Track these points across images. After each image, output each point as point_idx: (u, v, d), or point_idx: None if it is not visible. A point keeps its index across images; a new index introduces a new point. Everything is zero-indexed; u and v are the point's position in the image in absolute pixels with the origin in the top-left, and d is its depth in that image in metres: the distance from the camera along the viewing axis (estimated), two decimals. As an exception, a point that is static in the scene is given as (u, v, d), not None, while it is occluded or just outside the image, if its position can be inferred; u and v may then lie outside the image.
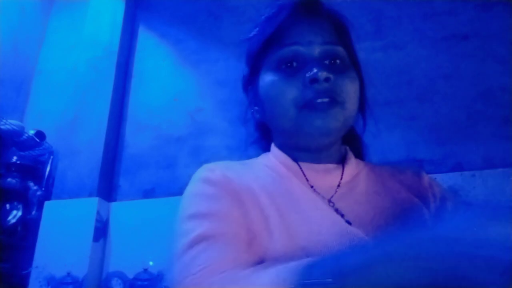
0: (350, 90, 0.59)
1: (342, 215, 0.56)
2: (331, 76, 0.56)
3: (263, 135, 0.73)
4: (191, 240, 0.49)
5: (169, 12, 2.46)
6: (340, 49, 0.61)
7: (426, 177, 0.65)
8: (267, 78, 0.61)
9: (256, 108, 0.68)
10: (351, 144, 0.70)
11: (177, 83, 2.25)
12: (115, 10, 2.40)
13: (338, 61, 0.60)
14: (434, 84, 1.82)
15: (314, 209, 0.55)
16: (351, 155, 0.66)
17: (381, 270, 0.34)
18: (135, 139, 2.17)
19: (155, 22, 2.47)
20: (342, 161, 0.65)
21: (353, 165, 0.65)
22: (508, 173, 1.53)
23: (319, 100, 0.56)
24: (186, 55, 2.31)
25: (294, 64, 0.59)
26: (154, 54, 2.38)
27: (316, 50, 0.59)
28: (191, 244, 0.49)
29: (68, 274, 1.72)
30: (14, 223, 1.91)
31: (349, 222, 0.54)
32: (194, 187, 0.58)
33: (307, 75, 0.56)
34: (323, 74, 0.55)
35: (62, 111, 2.27)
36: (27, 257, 1.83)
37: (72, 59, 2.46)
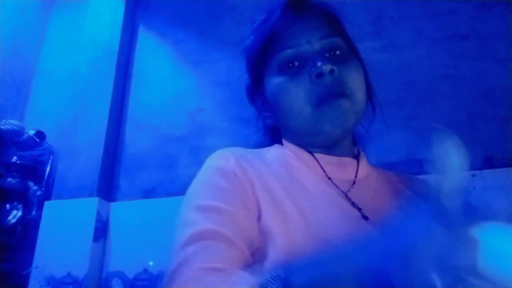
0: (356, 78, 0.59)
1: (360, 209, 0.55)
2: (335, 68, 0.56)
3: (274, 140, 0.72)
4: (196, 234, 0.48)
5: (169, 12, 2.46)
6: (338, 40, 0.61)
7: (431, 185, 0.66)
8: (273, 83, 0.61)
9: (267, 114, 0.67)
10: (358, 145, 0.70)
11: (177, 83, 2.25)
12: (115, 10, 2.40)
13: (338, 52, 0.60)
14: (434, 84, 1.82)
15: (330, 201, 0.55)
16: (364, 155, 0.67)
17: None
18: (135, 139, 2.17)
19: (155, 22, 2.47)
20: (355, 158, 0.65)
21: (366, 164, 0.65)
22: (508, 173, 1.53)
23: (326, 95, 0.56)
24: (186, 55, 2.31)
25: (296, 63, 0.59)
26: (154, 54, 2.38)
27: (316, 46, 0.59)
28: (195, 238, 0.48)
29: (68, 274, 1.72)
30: (14, 223, 1.91)
31: (365, 217, 0.54)
32: (206, 175, 0.57)
33: (312, 70, 0.57)
34: (327, 67, 0.56)
35: (62, 111, 2.27)
36: (27, 257, 1.83)
37: (72, 59, 2.46)
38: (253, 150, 0.65)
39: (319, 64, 0.56)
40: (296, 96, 0.58)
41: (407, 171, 1.78)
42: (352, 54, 0.62)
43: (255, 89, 0.68)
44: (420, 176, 0.69)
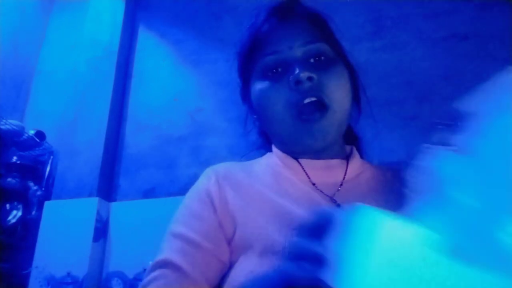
0: (337, 85, 0.59)
1: None
2: (313, 75, 0.56)
3: (267, 139, 0.73)
4: (156, 262, 0.53)
5: (169, 12, 2.46)
6: (322, 46, 0.61)
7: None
8: (256, 88, 0.62)
9: (254, 116, 0.69)
10: (353, 144, 0.70)
11: (177, 83, 2.25)
12: (115, 10, 2.40)
13: (322, 58, 0.60)
14: (434, 84, 1.82)
15: (312, 206, 0.55)
16: (356, 154, 0.66)
17: None
18: (135, 139, 2.17)
19: (155, 22, 2.47)
20: (346, 158, 0.64)
21: (357, 163, 0.65)
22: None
23: (306, 101, 0.56)
24: (186, 55, 2.31)
25: (279, 69, 0.59)
26: (154, 54, 2.38)
27: (298, 52, 0.59)
28: (155, 266, 0.53)
29: (68, 274, 1.72)
30: (14, 223, 1.91)
31: None
32: (188, 196, 0.61)
33: (291, 78, 0.56)
34: (305, 74, 0.56)
35: (62, 111, 2.27)
36: (27, 257, 1.83)
37: (72, 59, 2.45)
38: (243, 163, 0.67)
39: (297, 71, 0.56)
40: (276, 102, 0.58)
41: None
42: (337, 60, 0.62)
43: (245, 92, 0.68)
44: None
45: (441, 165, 0.34)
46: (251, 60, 0.63)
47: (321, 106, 0.57)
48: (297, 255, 0.33)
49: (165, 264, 0.53)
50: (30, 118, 2.41)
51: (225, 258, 0.54)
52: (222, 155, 1.90)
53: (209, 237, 0.54)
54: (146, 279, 0.53)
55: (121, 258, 1.81)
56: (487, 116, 0.34)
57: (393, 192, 0.61)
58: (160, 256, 0.54)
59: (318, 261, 0.29)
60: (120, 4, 2.43)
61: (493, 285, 0.25)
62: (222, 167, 0.63)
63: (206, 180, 0.60)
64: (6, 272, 1.82)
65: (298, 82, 0.56)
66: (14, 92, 2.39)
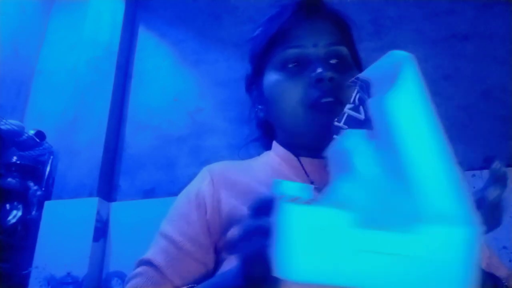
0: (352, 91, 0.59)
1: None
2: (335, 76, 0.57)
3: (265, 133, 0.73)
4: (143, 259, 0.56)
5: (169, 12, 2.46)
6: (343, 49, 0.62)
7: None
8: (272, 78, 0.62)
9: (260, 107, 0.68)
10: None
11: (177, 83, 2.25)
12: (115, 10, 2.40)
13: (342, 61, 0.61)
14: (434, 84, 1.81)
15: None
16: None
17: None
18: (135, 139, 2.17)
19: (155, 22, 2.47)
20: None
21: None
22: (508, 173, 1.53)
23: (323, 100, 0.57)
24: (186, 55, 2.31)
25: (298, 64, 0.60)
26: (154, 54, 2.38)
27: (321, 51, 0.60)
28: (140, 262, 0.56)
29: (68, 274, 1.72)
30: (14, 223, 1.91)
31: None
32: (181, 194, 0.62)
33: (313, 75, 0.57)
34: (328, 74, 0.56)
35: (62, 111, 2.27)
36: (27, 257, 1.83)
37: (72, 59, 2.46)
38: (241, 161, 0.67)
39: (320, 69, 0.57)
40: (291, 95, 0.59)
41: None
42: (354, 65, 0.63)
43: (254, 81, 0.68)
44: None
45: (347, 143, 0.37)
46: (270, 50, 0.63)
47: (338, 102, 0.57)
48: (248, 232, 0.35)
49: (147, 263, 0.55)
50: (30, 118, 2.41)
51: (209, 261, 0.55)
52: (222, 155, 1.90)
53: (194, 240, 0.55)
54: (130, 274, 0.56)
55: (121, 258, 1.81)
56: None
57: None
58: (146, 254, 0.57)
59: (265, 233, 0.31)
60: (120, 4, 2.43)
61: (408, 246, 0.28)
62: (218, 166, 0.63)
63: (201, 181, 0.61)
64: (6, 272, 1.82)
65: (320, 80, 0.57)
66: (14, 92, 2.39)
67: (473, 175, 1.56)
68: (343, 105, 0.56)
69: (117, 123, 2.20)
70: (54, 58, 2.59)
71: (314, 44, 0.60)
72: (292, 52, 0.60)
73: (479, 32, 1.86)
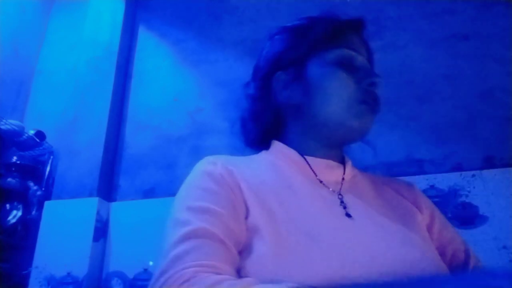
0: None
1: (345, 207, 0.58)
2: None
3: (268, 135, 0.73)
4: (188, 232, 0.49)
5: (169, 12, 2.46)
6: (370, 66, 0.70)
7: (418, 189, 0.71)
8: (326, 70, 0.65)
9: (294, 92, 0.67)
10: None
11: (177, 83, 2.25)
12: (115, 10, 2.40)
13: None
14: (434, 84, 1.82)
15: (317, 199, 0.58)
16: (349, 159, 0.71)
17: None
18: (135, 139, 2.17)
19: (155, 22, 2.47)
20: (342, 161, 0.69)
21: (351, 167, 0.69)
22: (508, 173, 1.53)
23: (371, 101, 0.63)
24: (186, 55, 2.31)
25: (352, 65, 0.65)
26: (154, 54, 2.38)
27: (363, 61, 0.67)
28: (187, 236, 0.48)
29: (68, 274, 1.72)
30: (14, 223, 1.91)
31: (349, 215, 0.57)
32: (195, 179, 0.59)
33: (368, 78, 0.64)
34: (379, 81, 0.63)
35: (62, 111, 2.27)
36: (27, 257, 1.83)
37: (72, 59, 2.46)
38: (239, 157, 0.68)
39: (374, 75, 0.64)
40: (347, 89, 0.63)
41: (407, 171, 1.78)
42: None
43: (291, 62, 0.68)
44: (419, 176, 0.75)
45: None
46: (322, 43, 0.66)
47: (375, 110, 0.65)
48: None
49: (200, 233, 0.48)
50: (30, 118, 2.41)
51: (243, 236, 0.52)
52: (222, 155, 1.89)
53: (230, 210, 0.52)
54: (179, 250, 0.47)
55: (121, 258, 1.81)
56: None
57: (386, 195, 0.66)
58: (187, 227, 0.49)
59: None
60: (120, 4, 2.42)
61: None
62: (222, 156, 0.65)
63: (212, 165, 0.60)
64: (6, 272, 1.82)
65: (373, 84, 0.63)
66: (14, 92, 2.39)
67: (473, 175, 1.56)
68: (376, 114, 0.64)
69: (117, 123, 2.19)
70: (54, 58, 2.59)
71: (362, 53, 0.68)
72: (348, 52, 0.66)
73: (479, 32, 1.86)
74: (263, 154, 0.70)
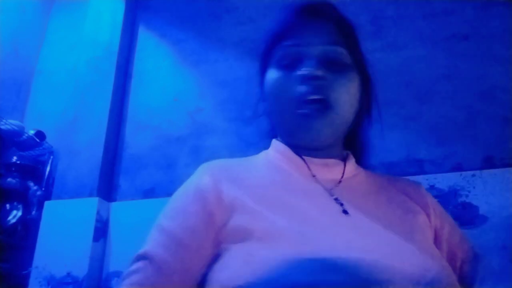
0: (344, 90, 0.59)
1: (342, 204, 0.57)
2: (324, 74, 0.57)
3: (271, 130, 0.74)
4: (140, 254, 0.55)
5: (169, 12, 2.46)
6: (340, 50, 0.61)
7: (424, 190, 0.68)
8: (269, 75, 0.63)
9: (264, 103, 0.69)
10: (352, 150, 0.71)
11: (177, 83, 2.25)
12: (115, 10, 2.40)
13: (337, 62, 0.61)
14: (434, 84, 1.82)
15: (312, 196, 0.57)
16: (352, 158, 0.68)
17: None
18: (135, 139, 2.17)
19: (155, 22, 2.47)
20: (343, 160, 0.66)
21: (353, 166, 0.67)
22: (508, 173, 1.53)
23: (310, 97, 0.57)
24: (186, 55, 2.31)
25: (295, 62, 0.60)
26: (154, 54, 2.38)
27: (316, 50, 0.60)
28: (138, 257, 0.55)
29: (68, 274, 1.72)
30: (14, 223, 1.91)
31: (346, 212, 0.55)
32: (180, 190, 0.62)
33: (299, 72, 0.58)
34: (315, 71, 0.57)
35: (62, 111, 2.27)
36: (27, 257, 1.83)
37: (72, 59, 2.46)
38: (240, 159, 0.68)
39: (308, 67, 0.57)
40: (284, 92, 0.60)
41: (407, 171, 1.78)
42: (352, 67, 0.63)
43: (261, 78, 0.69)
44: (419, 176, 0.72)
45: None
46: (272, 48, 0.65)
47: (324, 105, 0.57)
48: None
49: (145, 257, 0.54)
50: (30, 118, 2.41)
51: (207, 253, 0.54)
52: (222, 155, 1.89)
53: (194, 233, 0.55)
54: (127, 270, 0.54)
55: (121, 258, 1.81)
56: None
57: (389, 194, 0.63)
58: (143, 249, 0.56)
59: None
60: (120, 4, 2.42)
61: None
62: (217, 162, 0.65)
63: (199, 176, 0.61)
64: (6, 272, 1.82)
65: (306, 77, 0.57)
66: (14, 92, 2.39)
67: (473, 175, 1.56)
68: (331, 106, 0.57)
69: (117, 123, 2.19)
70: (54, 58, 2.59)
71: (308, 42, 0.61)
72: (287, 50, 0.61)
73: (479, 32, 1.86)
74: (263, 153, 0.70)
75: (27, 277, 1.78)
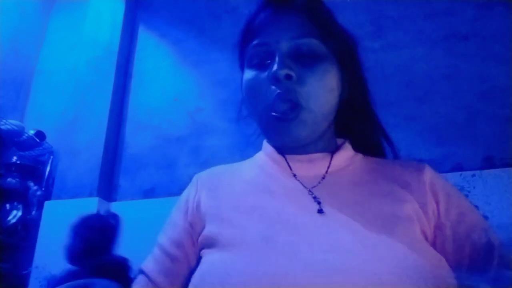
0: (317, 85, 0.56)
1: (319, 203, 0.54)
2: (292, 73, 0.54)
3: None
4: (139, 267, 0.61)
5: (169, 12, 2.46)
6: (311, 41, 0.57)
7: (427, 176, 0.62)
8: (244, 76, 0.62)
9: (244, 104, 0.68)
10: (356, 138, 0.67)
11: (177, 83, 2.25)
12: (115, 10, 2.40)
13: (308, 54, 0.57)
14: (434, 84, 1.82)
15: (289, 197, 0.56)
16: (345, 147, 0.64)
17: None
18: (135, 139, 2.17)
19: (155, 22, 2.47)
20: (333, 152, 0.62)
21: (343, 156, 0.62)
22: (508, 173, 1.53)
23: (280, 106, 0.54)
24: (186, 55, 2.31)
25: (267, 62, 0.58)
26: (154, 54, 2.38)
27: (284, 47, 0.57)
28: (138, 271, 0.61)
29: (68, 274, 1.72)
30: (14, 223, 1.91)
31: (321, 211, 0.53)
32: (177, 202, 0.64)
33: (268, 74, 0.55)
34: (283, 72, 0.54)
35: (62, 111, 2.27)
36: (27, 257, 1.83)
37: (72, 59, 2.46)
38: (233, 164, 0.67)
39: (275, 67, 0.54)
40: (257, 94, 0.57)
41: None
42: (327, 56, 0.58)
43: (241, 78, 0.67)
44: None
45: None
46: (244, 50, 0.63)
47: (295, 107, 0.54)
48: None
49: (141, 271, 0.60)
50: (30, 118, 2.41)
51: (192, 261, 0.57)
52: (222, 155, 1.90)
53: (179, 244, 0.58)
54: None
55: (121, 258, 1.81)
56: None
57: (377, 186, 0.59)
58: (144, 263, 0.61)
59: None
60: (120, 4, 2.43)
61: None
62: (206, 172, 0.65)
63: (189, 186, 0.64)
64: (6, 272, 1.82)
65: (275, 79, 0.54)
66: (14, 92, 2.40)
67: (473, 175, 1.56)
68: (302, 106, 0.54)
69: (117, 123, 2.19)
70: (54, 58, 2.59)
71: (276, 40, 0.57)
72: (256, 50, 0.58)
73: (479, 32, 1.86)
74: (256, 156, 0.68)
75: (27, 277, 1.78)
